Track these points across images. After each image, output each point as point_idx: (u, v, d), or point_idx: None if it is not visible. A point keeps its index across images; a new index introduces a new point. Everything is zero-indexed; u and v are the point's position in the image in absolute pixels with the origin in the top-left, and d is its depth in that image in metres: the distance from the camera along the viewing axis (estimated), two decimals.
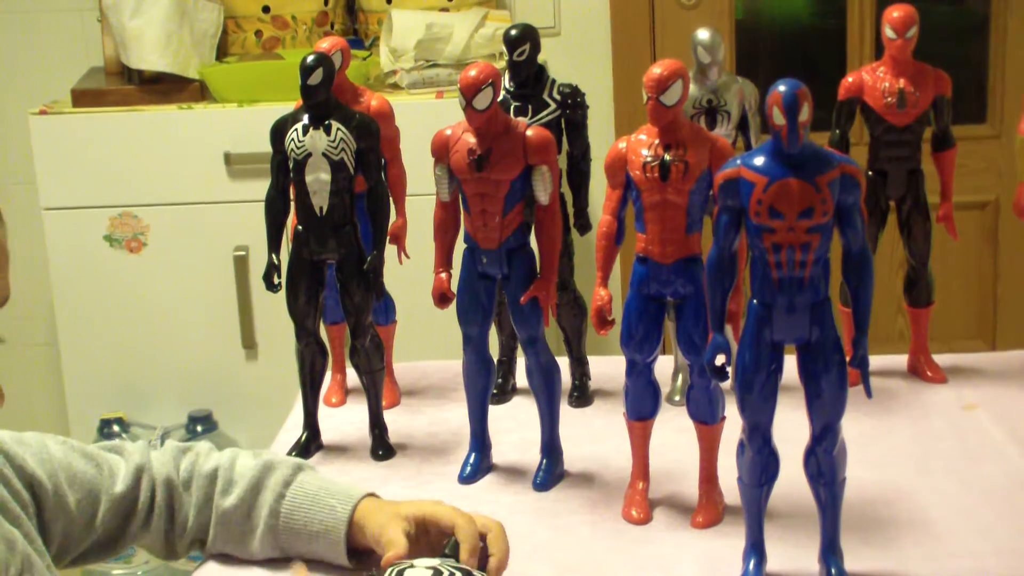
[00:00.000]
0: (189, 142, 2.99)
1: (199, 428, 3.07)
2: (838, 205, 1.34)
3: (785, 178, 1.33)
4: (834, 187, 1.33)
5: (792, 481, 1.45)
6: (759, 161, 1.35)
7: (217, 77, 2.98)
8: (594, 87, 2.78)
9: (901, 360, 2.02)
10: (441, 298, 1.70)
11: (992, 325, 3.43)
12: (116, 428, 3.07)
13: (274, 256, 1.79)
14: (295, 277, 1.78)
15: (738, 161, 1.36)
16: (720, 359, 1.40)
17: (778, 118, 1.31)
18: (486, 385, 1.73)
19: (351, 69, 1.88)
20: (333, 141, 1.71)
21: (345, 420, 1.92)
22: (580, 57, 3.34)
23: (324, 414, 1.89)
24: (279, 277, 1.79)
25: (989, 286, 3.42)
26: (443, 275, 1.69)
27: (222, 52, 3.18)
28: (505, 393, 1.96)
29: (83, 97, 3.03)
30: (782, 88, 1.31)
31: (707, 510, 1.58)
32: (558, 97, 1.85)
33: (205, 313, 3.08)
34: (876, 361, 1.94)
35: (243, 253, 3.03)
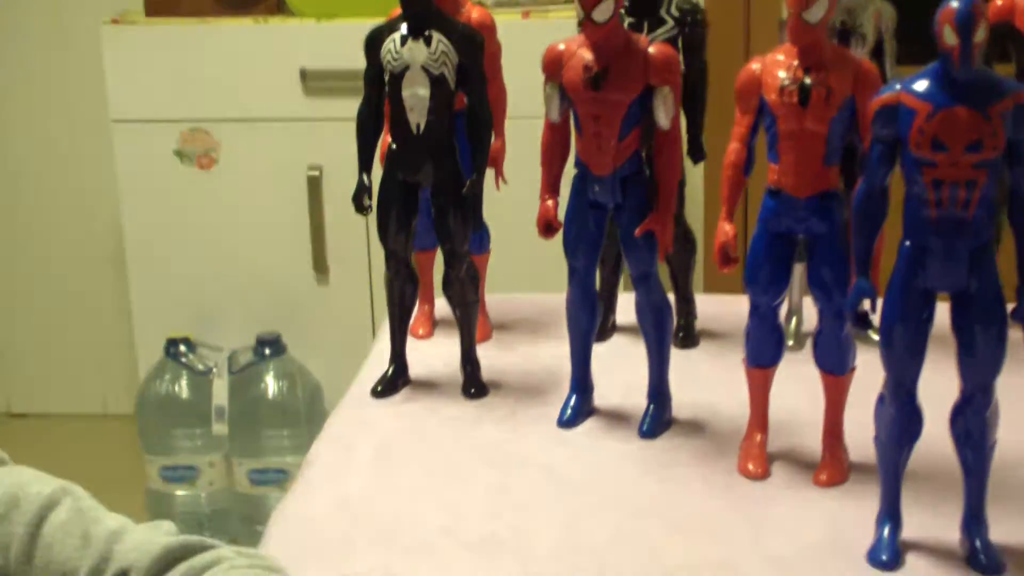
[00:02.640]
0: (264, 57, 2.90)
1: (267, 351, 2.99)
2: (1010, 139, 1.20)
3: (952, 106, 1.19)
4: (1006, 118, 1.19)
5: (934, 439, 1.31)
6: (922, 86, 1.20)
7: None
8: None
9: None
10: (547, 227, 1.57)
11: None
12: (183, 348, 3.01)
13: (365, 177, 1.66)
14: (387, 200, 1.66)
15: (898, 86, 1.22)
16: (865, 305, 1.27)
17: (949, 38, 1.17)
18: (590, 322, 1.60)
19: None
20: (434, 53, 1.58)
21: (433, 354, 1.80)
22: None
23: (410, 347, 1.77)
24: (369, 199, 1.67)
25: None
26: (550, 202, 1.56)
27: None
28: (604, 331, 1.84)
29: (156, 7, 2.93)
30: (955, 4, 1.17)
31: (831, 467, 1.45)
32: (676, 14, 1.70)
33: (276, 234, 3.00)
34: None
35: (316, 173, 2.93)
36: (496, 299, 1.92)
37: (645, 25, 1.69)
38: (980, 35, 1.16)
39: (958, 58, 1.17)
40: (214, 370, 3.01)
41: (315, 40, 2.88)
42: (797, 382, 1.58)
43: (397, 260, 1.69)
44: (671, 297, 1.79)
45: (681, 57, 1.71)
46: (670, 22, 1.70)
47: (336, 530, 1.38)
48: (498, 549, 1.33)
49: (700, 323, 1.84)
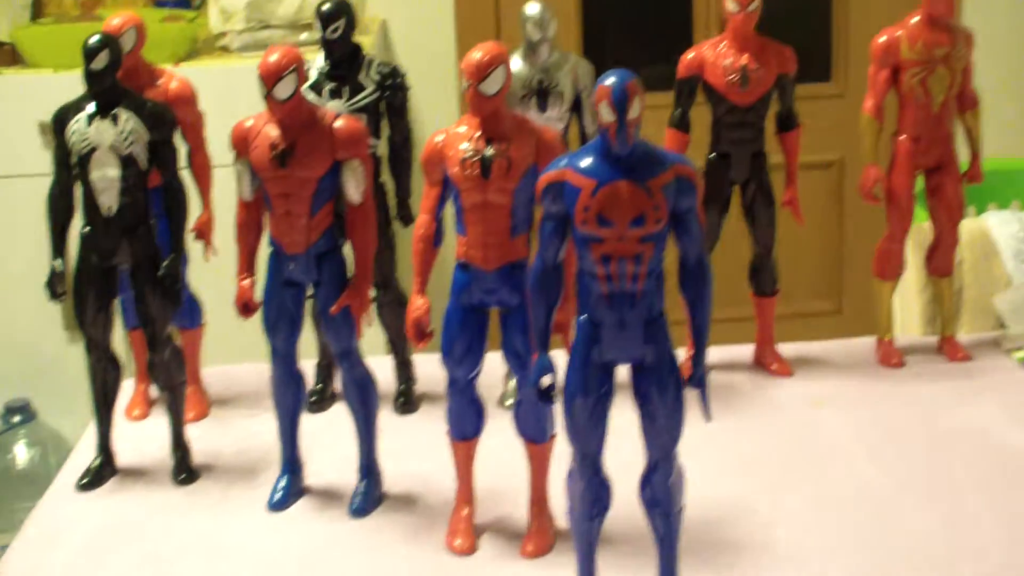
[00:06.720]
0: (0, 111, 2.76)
1: (16, 419, 2.87)
2: (673, 211, 1.21)
3: (614, 181, 1.19)
4: (669, 191, 1.20)
5: (629, 502, 1.31)
6: (586, 162, 1.21)
7: (30, 40, 2.76)
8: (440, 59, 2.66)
9: (744, 351, 1.91)
10: (244, 307, 1.53)
11: (838, 285, 3.37)
12: None
13: (58, 262, 1.60)
14: (84, 285, 1.60)
15: (563, 162, 1.22)
16: (546, 380, 1.26)
17: (606, 114, 1.17)
18: (296, 402, 1.57)
19: (175, 32, 1.70)
20: (122, 133, 1.53)
21: (147, 436, 1.74)
22: (422, 36, 3.15)
23: (123, 431, 1.71)
24: (63, 286, 1.60)
25: (835, 245, 3.35)
26: (246, 282, 1.53)
27: (37, 12, 2.95)
28: (324, 400, 1.81)
29: None
30: (610, 80, 1.18)
31: (537, 537, 1.45)
32: (376, 78, 1.69)
33: (23, 294, 2.86)
34: (718, 353, 1.83)
35: None
36: (214, 372, 1.87)
37: (346, 91, 1.67)
38: (635, 111, 1.17)
39: (615, 135, 1.17)
40: None
41: (53, 92, 2.70)
42: (512, 445, 1.57)
43: (97, 346, 1.63)
44: (390, 360, 1.77)
45: (386, 121, 1.71)
46: (371, 86, 1.68)
47: None
48: None
49: (423, 386, 1.82)
